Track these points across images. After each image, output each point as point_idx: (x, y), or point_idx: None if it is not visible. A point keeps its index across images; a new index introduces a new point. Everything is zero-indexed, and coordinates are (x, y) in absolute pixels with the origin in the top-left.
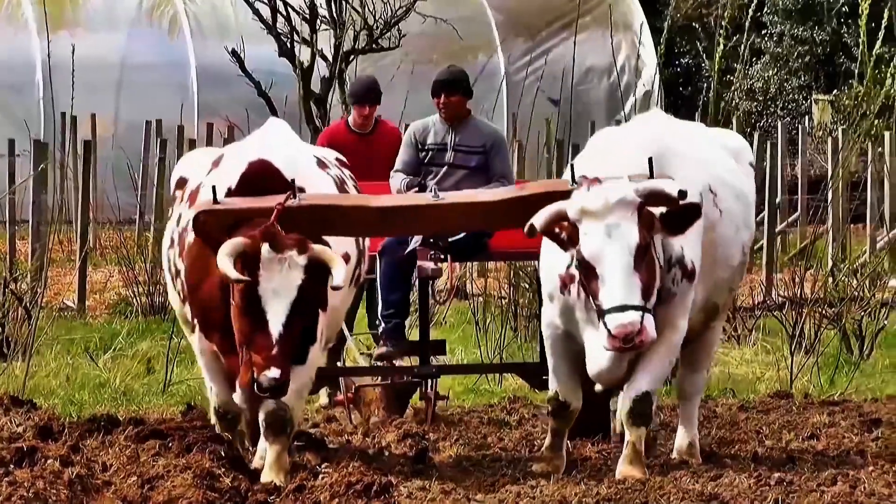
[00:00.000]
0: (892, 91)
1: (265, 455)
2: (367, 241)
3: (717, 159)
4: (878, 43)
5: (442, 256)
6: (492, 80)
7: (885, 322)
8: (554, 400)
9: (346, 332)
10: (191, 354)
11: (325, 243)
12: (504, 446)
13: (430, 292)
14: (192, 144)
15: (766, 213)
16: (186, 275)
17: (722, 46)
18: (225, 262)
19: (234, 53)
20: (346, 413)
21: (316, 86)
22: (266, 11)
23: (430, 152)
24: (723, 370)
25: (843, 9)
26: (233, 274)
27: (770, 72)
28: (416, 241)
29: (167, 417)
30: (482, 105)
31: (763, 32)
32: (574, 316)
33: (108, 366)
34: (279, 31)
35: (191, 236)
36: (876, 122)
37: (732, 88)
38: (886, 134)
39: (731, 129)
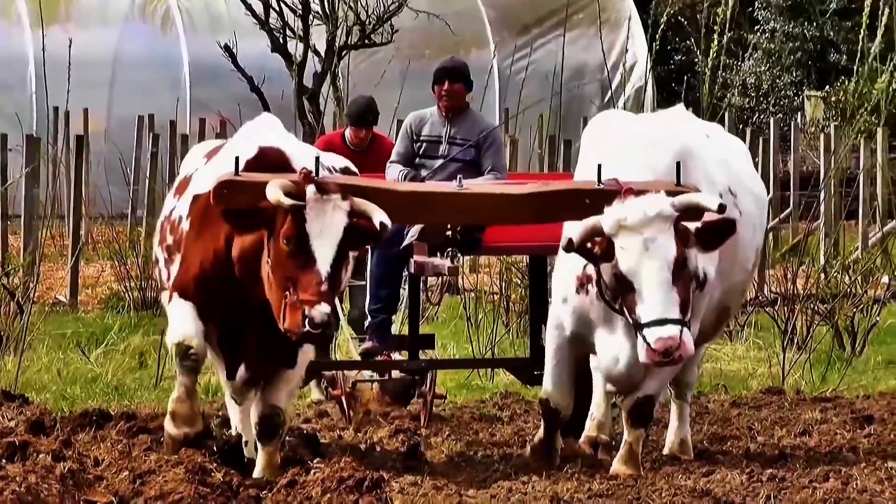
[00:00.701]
0: (886, 87)
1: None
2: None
3: (735, 160)
4: (878, 39)
5: (459, 254)
6: (484, 76)
7: (878, 318)
8: (545, 403)
9: (345, 325)
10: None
11: None
12: (496, 442)
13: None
14: (185, 140)
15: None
16: (182, 259)
17: (717, 44)
18: (275, 189)
19: (226, 49)
20: (341, 408)
21: (308, 81)
22: (259, 7)
23: (425, 144)
24: (715, 366)
25: (833, 6)
26: (285, 200)
27: (762, 68)
28: (412, 235)
29: (159, 412)
30: (477, 101)
31: (755, 28)
32: (589, 317)
33: (101, 360)
34: (272, 26)
35: (186, 224)
36: (869, 118)
37: (721, 83)
38: (879, 130)
39: (724, 125)
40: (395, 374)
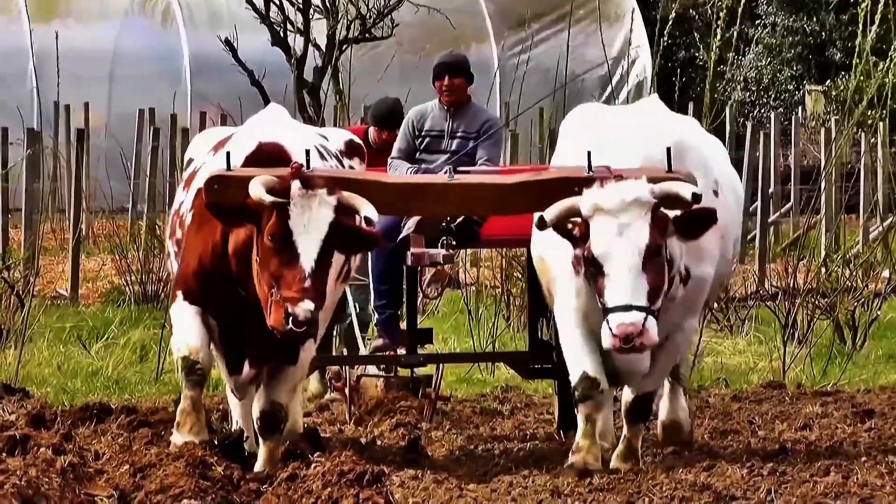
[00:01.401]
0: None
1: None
2: None
3: (716, 152)
4: (871, 34)
5: (454, 242)
6: (485, 70)
7: (878, 313)
8: (584, 380)
9: (356, 326)
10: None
11: None
12: (496, 436)
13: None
14: (185, 133)
15: (758, 203)
16: (183, 253)
17: (719, 37)
18: (258, 188)
19: (227, 43)
20: (345, 403)
21: (309, 75)
22: (259, 1)
23: (428, 139)
24: (716, 360)
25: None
26: (266, 197)
27: (763, 62)
28: (408, 227)
29: (160, 406)
30: (477, 95)
31: (756, 23)
32: (591, 298)
33: (101, 354)
34: (272, 20)
35: (189, 218)
36: (869, 112)
37: (725, 78)
38: (880, 124)
39: (724, 119)
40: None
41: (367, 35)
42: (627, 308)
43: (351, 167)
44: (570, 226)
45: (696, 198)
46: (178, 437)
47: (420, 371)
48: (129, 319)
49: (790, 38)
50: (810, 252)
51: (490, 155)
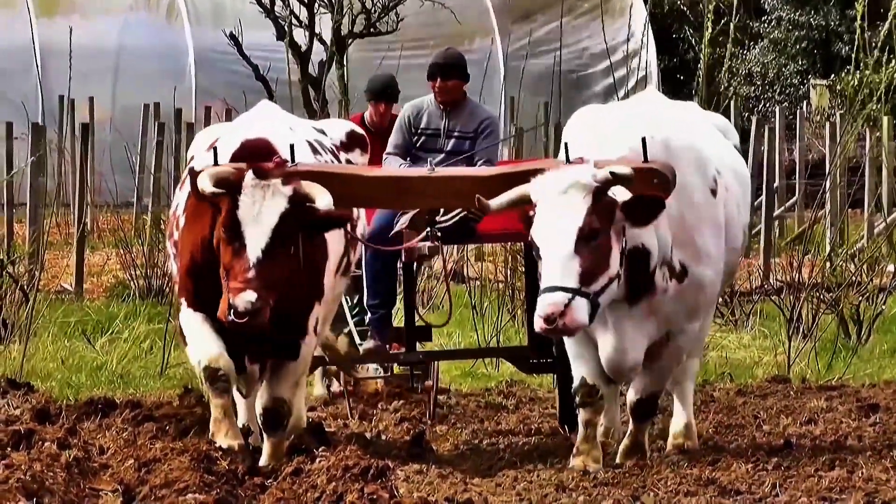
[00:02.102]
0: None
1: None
2: (362, 229)
3: (715, 138)
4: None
5: (439, 234)
6: (489, 65)
7: (883, 307)
8: (582, 387)
9: (350, 321)
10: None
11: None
12: (501, 430)
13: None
14: (190, 128)
15: (763, 197)
16: (180, 256)
17: (709, 31)
18: (204, 178)
19: (231, 37)
20: (346, 405)
21: (314, 69)
22: None
23: (424, 137)
24: (720, 355)
25: None
26: (208, 187)
27: (768, 57)
28: (401, 223)
29: (164, 401)
30: (480, 90)
31: (761, 17)
32: None
33: (106, 349)
34: (277, 14)
35: (182, 218)
36: (875, 106)
37: (725, 72)
38: (885, 119)
39: (729, 114)
40: (397, 368)
41: (371, 30)
42: (552, 289)
43: (349, 161)
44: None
45: (628, 178)
46: (221, 441)
47: (418, 368)
48: (134, 314)
49: (796, 33)
50: (815, 246)
51: (489, 155)
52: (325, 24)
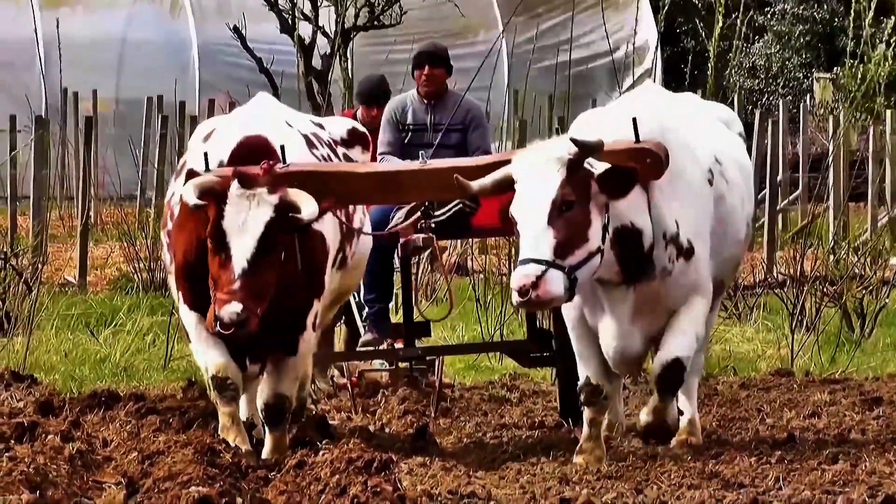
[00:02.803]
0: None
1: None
2: (363, 222)
3: (716, 129)
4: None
5: (433, 225)
6: (493, 58)
7: (887, 300)
8: (586, 386)
9: (356, 315)
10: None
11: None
12: (505, 423)
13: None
14: (193, 121)
15: (767, 191)
16: (174, 248)
17: (720, 25)
18: (188, 190)
19: (235, 30)
20: (349, 399)
21: (317, 62)
22: None
23: (410, 133)
24: (724, 348)
25: None
26: (192, 199)
27: (772, 50)
28: (398, 218)
29: (168, 393)
30: (485, 82)
31: (765, 10)
32: (588, 296)
33: (109, 341)
34: (281, 7)
35: (176, 209)
36: (879, 100)
37: (731, 66)
38: (888, 112)
39: (732, 107)
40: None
41: (375, 23)
42: (526, 262)
43: (347, 156)
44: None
45: (593, 147)
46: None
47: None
48: (137, 307)
49: (799, 26)
50: (818, 239)
51: (482, 145)
52: (328, 17)
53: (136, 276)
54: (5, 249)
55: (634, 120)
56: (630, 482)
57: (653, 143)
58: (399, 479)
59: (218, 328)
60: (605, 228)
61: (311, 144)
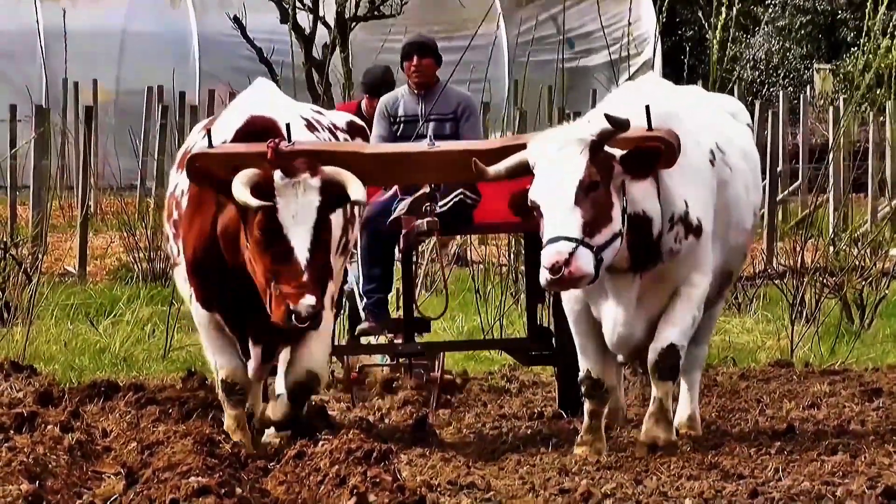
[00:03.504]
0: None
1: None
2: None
3: (719, 119)
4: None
5: (437, 210)
6: (493, 49)
7: (886, 292)
8: (587, 379)
9: (360, 305)
10: (191, 320)
11: None
12: (504, 414)
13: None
14: (193, 111)
15: (767, 182)
16: (183, 243)
17: (724, 16)
18: (241, 189)
19: (235, 20)
20: (349, 393)
21: (317, 53)
22: None
23: (402, 125)
24: (724, 339)
25: None
26: (252, 201)
27: (772, 41)
28: (400, 209)
29: (167, 383)
30: (486, 76)
31: (765, 2)
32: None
33: (109, 331)
34: None
35: (184, 202)
36: (879, 91)
37: (730, 56)
38: (888, 103)
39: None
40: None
41: (375, 13)
42: (555, 240)
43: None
44: (521, 201)
45: (622, 123)
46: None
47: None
48: (137, 297)
49: (800, 18)
50: (818, 231)
51: (475, 136)
52: (328, 8)
53: (135, 266)
54: (5, 239)
55: (647, 108)
56: (629, 473)
57: (665, 131)
58: (398, 469)
59: (294, 322)
60: (624, 211)
61: (311, 128)
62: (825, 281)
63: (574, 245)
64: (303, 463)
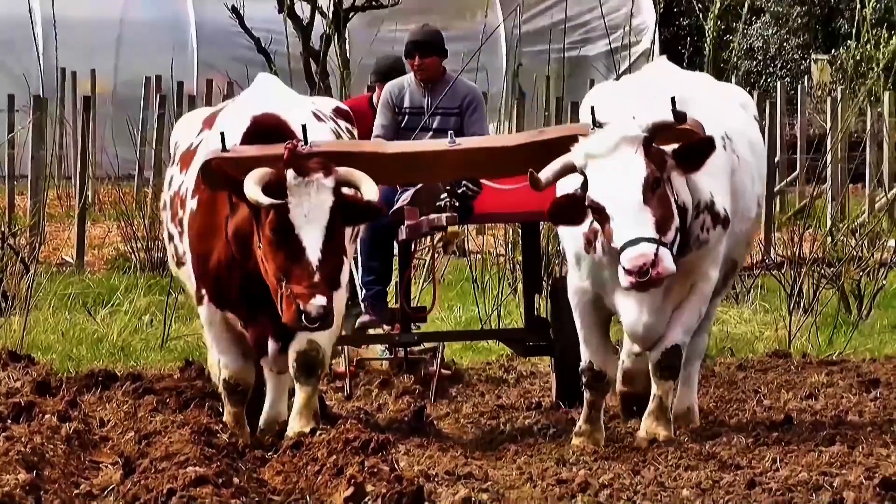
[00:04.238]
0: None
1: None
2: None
3: (728, 107)
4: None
5: (457, 204)
6: (491, 39)
7: (884, 282)
8: (588, 370)
9: (360, 295)
10: (189, 310)
11: None
12: (502, 404)
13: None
14: (192, 101)
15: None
16: (192, 245)
17: (718, 4)
18: (253, 188)
19: (233, 10)
20: (346, 386)
21: (316, 43)
22: None
23: (407, 116)
24: (721, 329)
25: None
26: (263, 199)
27: (769, 31)
28: (403, 200)
29: (165, 373)
30: (484, 65)
31: None
32: (602, 275)
33: (106, 321)
34: None
35: (193, 203)
36: (876, 81)
37: (727, 46)
38: (885, 94)
39: None
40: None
41: (373, 3)
42: (635, 241)
43: (349, 129)
44: (566, 209)
45: (680, 116)
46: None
47: (417, 350)
48: (135, 286)
49: (797, 8)
50: (816, 221)
51: (480, 130)
52: None
53: (133, 255)
54: (3, 229)
55: (673, 99)
56: (627, 463)
57: (693, 122)
58: (396, 459)
59: (305, 323)
60: (676, 204)
61: (318, 118)
62: (823, 271)
63: (656, 245)
64: (300, 453)
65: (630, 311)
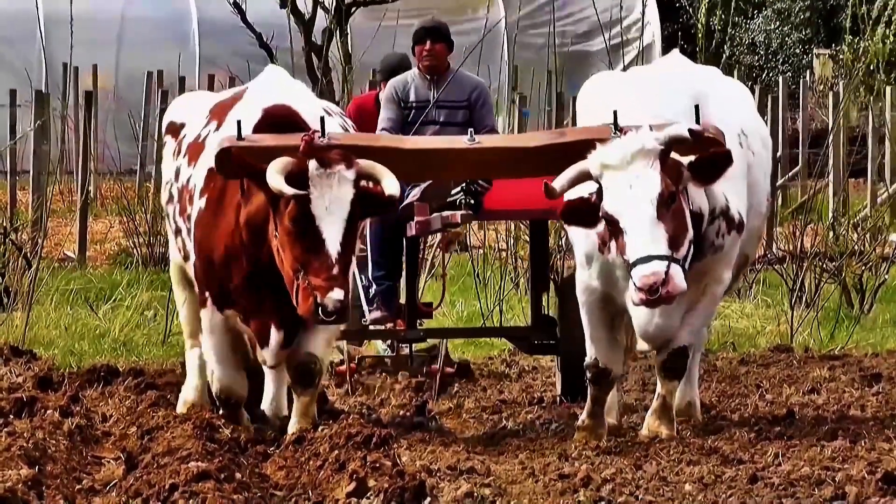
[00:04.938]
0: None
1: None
2: None
3: (742, 101)
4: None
5: (472, 202)
6: (492, 34)
7: (886, 276)
8: (593, 367)
9: (361, 294)
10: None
11: None
12: (504, 399)
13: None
14: None
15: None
16: (199, 245)
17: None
18: (276, 177)
19: (235, 5)
20: (347, 383)
21: (317, 37)
22: None
23: (413, 110)
24: (723, 324)
25: None
26: (287, 189)
27: (771, 26)
28: (413, 195)
29: (167, 368)
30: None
31: None
32: (614, 275)
33: (108, 316)
34: None
35: (202, 202)
36: (878, 76)
37: (729, 41)
38: (887, 89)
39: None
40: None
41: None
42: (648, 259)
43: (353, 127)
44: (579, 212)
45: (695, 134)
46: None
47: (421, 346)
48: (137, 281)
49: (799, 2)
50: (818, 215)
51: (490, 123)
52: None
53: (135, 250)
54: (5, 224)
55: (697, 107)
56: (629, 458)
57: (714, 130)
58: (398, 454)
59: (321, 316)
60: (691, 210)
61: (328, 113)
62: (825, 266)
63: (667, 263)
64: (302, 448)
65: (642, 311)
